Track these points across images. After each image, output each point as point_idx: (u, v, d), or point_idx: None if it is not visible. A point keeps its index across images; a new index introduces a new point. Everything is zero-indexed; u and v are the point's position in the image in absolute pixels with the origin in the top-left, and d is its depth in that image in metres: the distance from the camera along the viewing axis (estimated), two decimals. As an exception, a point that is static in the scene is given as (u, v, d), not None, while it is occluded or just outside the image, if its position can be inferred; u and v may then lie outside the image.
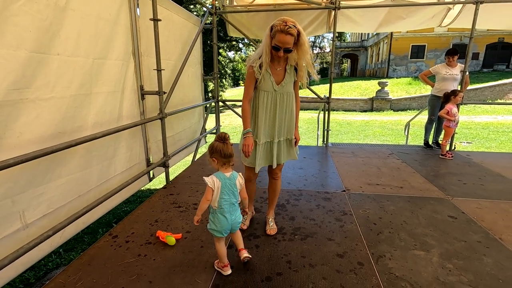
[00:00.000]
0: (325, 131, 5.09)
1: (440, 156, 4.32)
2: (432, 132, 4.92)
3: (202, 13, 15.77)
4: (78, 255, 3.46)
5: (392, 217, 2.51)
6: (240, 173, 1.77)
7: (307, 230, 2.29)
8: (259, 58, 1.92)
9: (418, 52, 25.01)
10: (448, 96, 4.07)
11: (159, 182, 5.66)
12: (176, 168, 6.35)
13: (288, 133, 2.14)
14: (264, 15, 5.02)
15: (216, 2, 4.80)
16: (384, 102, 16.32)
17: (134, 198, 5.30)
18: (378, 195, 2.95)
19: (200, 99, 4.87)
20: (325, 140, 5.20)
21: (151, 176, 3.35)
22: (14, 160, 1.50)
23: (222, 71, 21.54)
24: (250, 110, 2.04)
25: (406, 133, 6.39)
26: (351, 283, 1.70)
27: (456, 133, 4.61)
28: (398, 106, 16.35)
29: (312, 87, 5.29)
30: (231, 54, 27.12)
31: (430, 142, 4.94)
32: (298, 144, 2.27)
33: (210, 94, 17.50)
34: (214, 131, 5.30)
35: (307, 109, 16.10)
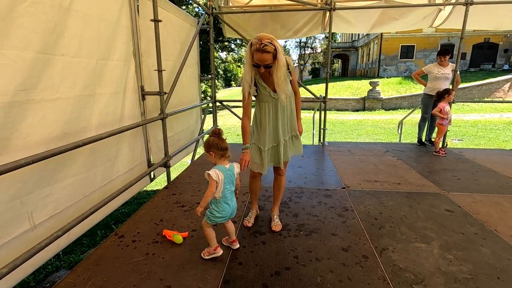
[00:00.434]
0: (322, 130, 5.16)
1: (434, 153, 4.44)
2: (425, 130, 5.05)
3: (194, 13, 15.72)
4: (78, 257, 3.47)
5: (392, 212, 2.58)
6: (236, 163, 1.91)
7: (311, 226, 2.34)
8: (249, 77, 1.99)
9: (407, 52, 25.48)
10: (442, 95, 4.19)
11: (155, 183, 5.63)
12: (173, 169, 6.34)
13: (292, 130, 2.25)
14: (260, 16, 5.08)
15: (212, 2, 4.83)
16: (376, 101, 16.57)
17: (131, 199, 5.26)
18: (377, 191, 3.02)
19: (197, 99, 4.89)
20: (321, 139, 5.27)
21: (152, 176, 3.36)
22: (26, 161, 1.51)
23: (215, 72, 21.54)
24: (249, 127, 2.13)
25: (399, 131, 6.53)
26: (357, 275, 1.76)
27: (448, 130, 4.74)
28: (389, 105, 16.63)
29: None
30: (223, 54, 27.12)
31: (424, 140, 5.07)
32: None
33: (202, 95, 17.47)
34: (212, 131, 5.31)
35: (302, 109, 16.18)
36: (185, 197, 2.96)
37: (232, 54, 28.12)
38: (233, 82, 48.07)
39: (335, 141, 6.52)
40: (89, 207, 2.09)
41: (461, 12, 4.62)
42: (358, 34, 34.30)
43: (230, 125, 12.66)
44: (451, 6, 4.71)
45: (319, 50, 41.39)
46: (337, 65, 45.77)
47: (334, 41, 38.49)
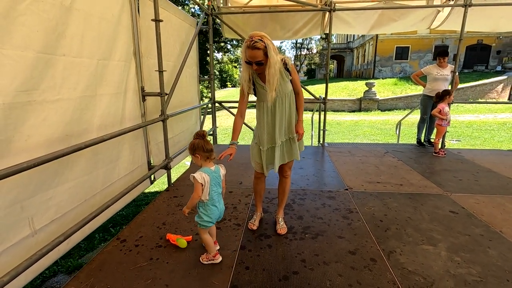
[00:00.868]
0: (322, 131, 5.15)
1: (434, 154, 4.46)
2: (424, 130, 5.06)
3: (190, 14, 15.66)
4: (76, 261, 3.40)
5: (396, 213, 2.57)
6: (221, 165, 1.92)
7: (316, 229, 2.32)
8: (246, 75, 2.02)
9: (402, 53, 25.69)
10: (443, 96, 4.20)
11: (153, 185, 5.57)
12: (173, 171, 6.27)
13: (289, 132, 2.17)
14: (259, 16, 5.05)
15: (211, 3, 4.79)
16: (372, 102, 16.66)
17: (130, 201, 5.20)
18: (380, 193, 3.01)
19: (196, 100, 4.84)
20: (320, 140, 5.26)
21: (152, 178, 3.31)
22: (28, 164, 1.46)
23: (208, 73, 21.46)
24: (240, 124, 2.15)
25: (397, 132, 6.55)
26: (367, 279, 1.74)
27: (447, 131, 4.77)
28: (385, 106, 16.73)
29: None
30: (219, 55, 27.06)
31: (422, 141, 5.09)
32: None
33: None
34: (211, 132, 5.28)
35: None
36: (187, 199, 2.87)
37: (228, 55, 28.06)
38: (228, 83, 48.00)
39: (334, 142, 6.52)
40: (90, 211, 2.04)
41: (459, 14, 4.65)
42: (353, 36, 34.51)
43: (227, 125, 12.61)
44: (450, 8, 4.74)
45: (314, 51, 41.50)
46: (332, 66, 45.97)
47: (330, 42, 38.57)
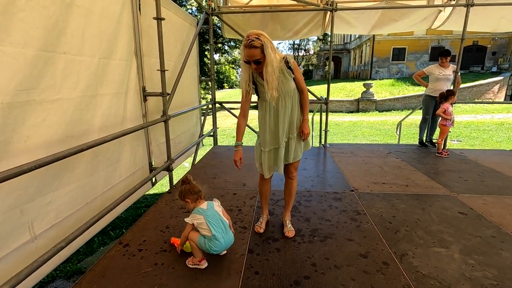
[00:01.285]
0: (324, 132, 5.11)
1: (436, 154, 4.43)
2: (425, 131, 5.04)
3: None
4: (75, 266, 3.30)
5: (404, 215, 2.52)
6: (215, 199, 1.95)
7: (325, 231, 2.26)
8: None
9: (399, 54, 25.80)
10: (447, 96, 4.17)
11: (152, 187, 5.49)
12: (173, 173, 6.19)
13: (291, 132, 2.10)
14: (260, 16, 5.00)
15: (212, 2, 4.73)
16: (370, 103, 16.69)
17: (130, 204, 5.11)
18: (387, 194, 2.97)
19: (197, 100, 4.77)
20: (322, 140, 5.22)
21: (154, 180, 3.23)
22: (28, 166, 1.38)
23: (208, 73, 21.40)
24: (243, 125, 2.11)
25: (398, 133, 6.52)
26: (381, 284, 1.68)
27: (450, 131, 4.74)
28: (383, 106, 16.77)
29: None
30: (216, 56, 26.99)
31: (424, 141, 5.06)
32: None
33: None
34: (212, 133, 5.21)
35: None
36: (190, 202, 2.84)
37: (225, 56, 28.00)
38: (225, 84, 47.89)
39: (336, 143, 6.47)
40: (91, 214, 1.97)
41: (460, 14, 4.64)
42: (350, 37, 34.64)
43: (225, 126, 12.55)
44: (451, 8, 4.73)
45: (312, 52, 41.60)
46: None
47: (326, 43, 38.72)
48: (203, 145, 5.18)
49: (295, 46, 41.15)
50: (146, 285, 1.70)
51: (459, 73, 4.58)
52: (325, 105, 5.09)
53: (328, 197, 2.90)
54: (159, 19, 2.76)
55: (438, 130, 4.61)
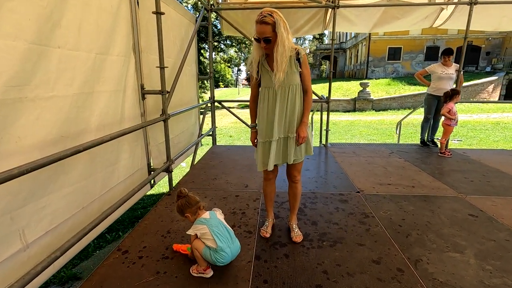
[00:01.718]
0: (325, 131, 5.03)
1: (439, 154, 4.38)
2: (427, 130, 4.99)
3: (184, 12, 15.40)
4: (69, 271, 3.16)
5: (414, 217, 2.45)
6: (215, 208, 1.89)
7: (334, 236, 2.17)
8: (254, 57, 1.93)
9: (394, 54, 25.89)
10: (452, 95, 4.12)
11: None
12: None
13: (290, 131, 1.97)
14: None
15: (211, -1, 4.61)
16: (366, 102, 16.70)
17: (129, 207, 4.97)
18: (394, 196, 2.89)
19: (196, 99, 4.65)
20: (323, 140, 5.14)
21: (152, 182, 3.11)
22: (19, 170, 1.26)
23: (204, 72, 21.19)
24: (255, 107, 2.10)
25: (398, 132, 6.48)
26: (398, 292, 1.60)
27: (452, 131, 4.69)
28: (380, 106, 16.80)
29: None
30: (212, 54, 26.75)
31: (426, 141, 5.01)
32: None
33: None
34: (211, 133, 5.09)
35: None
36: (191, 204, 2.72)
37: (221, 55, 27.80)
38: (221, 83, 47.65)
39: (337, 143, 6.40)
40: (88, 219, 1.85)
41: (462, 12, 4.60)
42: (346, 36, 34.69)
43: (222, 126, 12.42)
44: (453, 6, 4.68)
45: (308, 51, 41.56)
46: (325, 66, 46.14)
47: (322, 42, 38.68)
48: (201, 145, 5.05)
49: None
50: (148, 296, 1.59)
51: (461, 72, 4.53)
52: (325, 104, 5.00)
53: (333, 199, 2.82)
54: (158, 13, 2.63)
55: (440, 129, 4.55)
